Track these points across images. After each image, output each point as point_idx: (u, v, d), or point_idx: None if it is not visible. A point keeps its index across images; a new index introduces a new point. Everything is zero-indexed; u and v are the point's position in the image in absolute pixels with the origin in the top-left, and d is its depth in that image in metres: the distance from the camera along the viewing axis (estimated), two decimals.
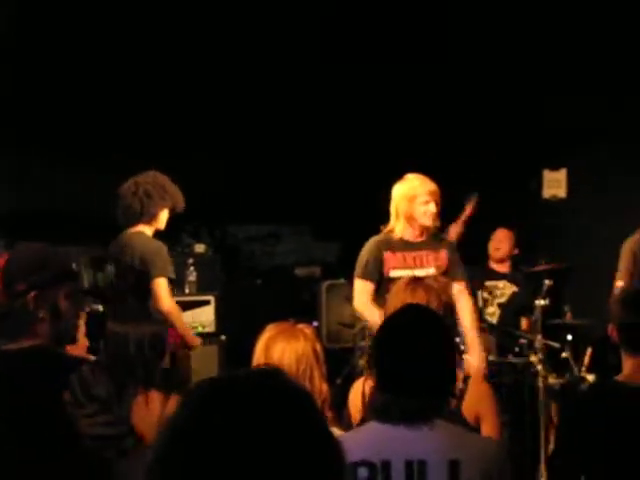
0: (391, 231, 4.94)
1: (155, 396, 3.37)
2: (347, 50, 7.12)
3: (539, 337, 5.60)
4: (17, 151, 7.01)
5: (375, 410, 2.40)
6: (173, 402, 3.29)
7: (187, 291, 6.61)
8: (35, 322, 2.70)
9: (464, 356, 4.75)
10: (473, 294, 6.23)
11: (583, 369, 5.40)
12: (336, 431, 2.65)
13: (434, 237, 5.01)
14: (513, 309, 6.42)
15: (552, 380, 5.40)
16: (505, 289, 6.53)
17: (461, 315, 4.65)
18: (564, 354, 5.55)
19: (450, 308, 3.35)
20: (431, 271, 4.89)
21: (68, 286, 2.74)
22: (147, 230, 5.24)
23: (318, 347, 3.44)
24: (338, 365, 6.07)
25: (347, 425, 3.17)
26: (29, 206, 7.07)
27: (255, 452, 1.15)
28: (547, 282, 5.77)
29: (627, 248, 5.37)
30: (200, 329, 6.42)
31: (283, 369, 2.79)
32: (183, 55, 7.11)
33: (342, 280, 6.85)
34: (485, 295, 6.46)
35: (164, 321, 4.91)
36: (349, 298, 5.33)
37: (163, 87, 7.19)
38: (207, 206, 7.02)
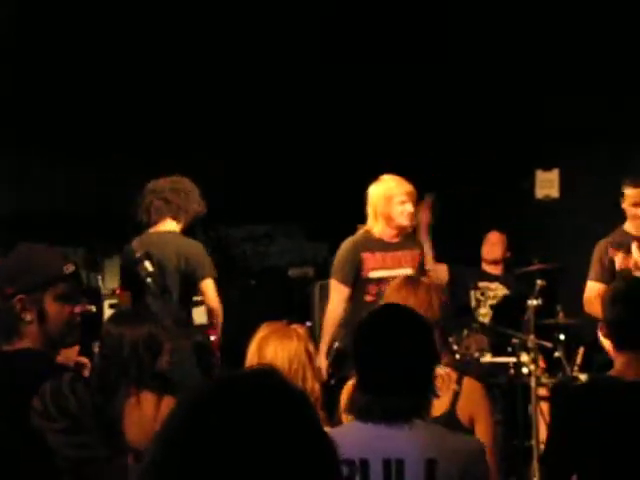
0: (369, 231, 4.96)
1: (148, 397, 3.38)
2: (347, 50, 7.12)
3: (532, 337, 5.61)
4: (17, 151, 7.03)
5: (356, 409, 2.41)
6: (166, 404, 3.29)
7: None
8: (22, 325, 2.72)
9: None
10: (466, 294, 6.26)
11: (576, 369, 5.40)
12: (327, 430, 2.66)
13: (408, 237, 5.04)
14: (506, 310, 6.44)
15: (545, 380, 5.40)
16: (497, 291, 6.55)
17: None
18: (557, 354, 5.55)
19: (447, 307, 3.36)
20: (408, 271, 4.92)
21: (58, 289, 2.75)
22: (177, 229, 5.27)
23: (311, 347, 3.45)
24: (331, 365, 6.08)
25: (338, 425, 3.18)
26: (29, 206, 7.09)
27: (252, 452, 1.15)
28: (540, 282, 5.77)
29: (596, 255, 5.39)
30: None
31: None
32: (183, 55, 7.11)
33: None
34: (477, 296, 6.48)
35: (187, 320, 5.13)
36: None
37: (163, 87, 7.20)
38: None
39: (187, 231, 5.50)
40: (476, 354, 5.80)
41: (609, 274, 5.25)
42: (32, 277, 2.72)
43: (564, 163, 7.21)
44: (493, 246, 6.69)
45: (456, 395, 2.95)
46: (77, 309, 2.80)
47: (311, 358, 3.36)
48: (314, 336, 4.69)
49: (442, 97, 7.36)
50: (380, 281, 4.95)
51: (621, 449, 2.84)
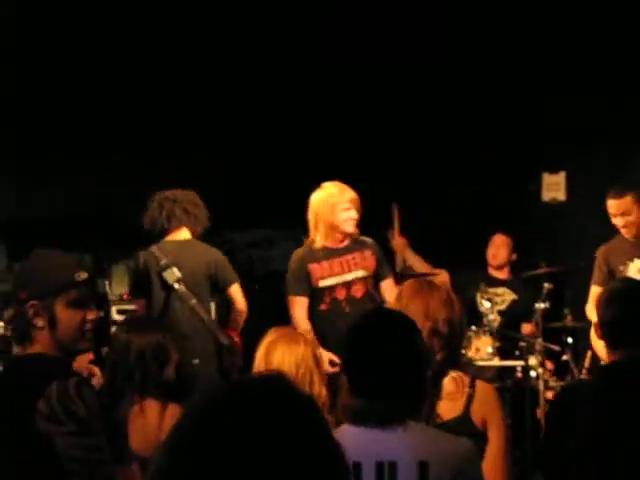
0: (312, 241, 4.94)
1: (152, 405, 3.37)
2: (347, 50, 7.11)
3: (539, 340, 5.61)
4: (17, 151, 7.01)
5: (349, 414, 2.41)
6: (171, 413, 3.29)
7: None
8: (34, 330, 2.73)
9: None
10: (472, 298, 6.25)
11: (584, 372, 5.40)
12: None
13: (356, 241, 4.99)
14: (514, 316, 6.43)
15: (553, 383, 5.41)
16: (505, 296, 6.52)
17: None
18: (564, 357, 5.56)
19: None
20: (359, 274, 4.91)
21: (70, 295, 2.75)
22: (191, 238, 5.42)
23: (318, 352, 3.45)
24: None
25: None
26: (29, 206, 7.07)
27: (260, 457, 1.15)
28: (547, 285, 5.77)
29: (597, 261, 5.41)
30: None
31: (283, 372, 2.81)
32: (183, 55, 7.09)
33: None
34: (485, 303, 6.46)
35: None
36: None
37: (163, 87, 7.18)
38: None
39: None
40: (485, 357, 5.81)
41: (611, 278, 5.25)
42: (44, 283, 2.73)
43: (570, 165, 7.21)
44: (498, 249, 6.66)
45: (470, 398, 2.95)
46: (90, 315, 2.80)
47: (318, 363, 3.36)
48: None
49: (442, 97, 7.35)
50: (332, 289, 4.95)
51: (615, 449, 2.85)
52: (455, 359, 3.10)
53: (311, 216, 4.93)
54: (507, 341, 6.08)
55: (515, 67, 7.08)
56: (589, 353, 5.42)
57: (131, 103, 7.10)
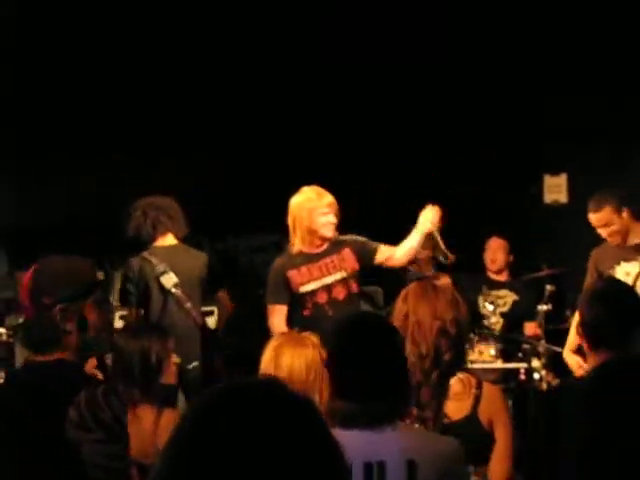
0: (292, 246, 4.95)
1: (147, 411, 3.37)
2: (347, 50, 7.11)
3: (542, 342, 5.61)
4: (17, 151, 7.00)
5: (337, 417, 2.42)
6: (167, 418, 3.28)
7: None
8: (64, 335, 2.72)
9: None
10: (474, 301, 6.25)
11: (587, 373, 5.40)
12: None
13: (334, 243, 4.99)
14: (516, 317, 6.44)
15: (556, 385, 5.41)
16: (506, 297, 6.53)
17: (403, 245, 4.95)
18: None
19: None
20: (339, 276, 4.91)
21: (96, 295, 2.77)
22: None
23: (325, 354, 3.45)
24: None
25: None
26: (29, 206, 7.06)
27: (260, 459, 1.15)
28: (549, 287, 5.78)
29: (589, 266, 5.43)
30: None
31: (293, 376, 2.81)
32: (183, 55, 7.10)
33: None
34: (487, 305, 6.46)
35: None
36: None
37: (163, 87, 7.18)
38: (209, 217, 7.02)
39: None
40: (488, 359, 5.82)
41: None
42: (72, 286, 2.73)
43: (571, 166, 7.21)
44: (495, 253, 6.66)
45: (477, 399, 2.97)
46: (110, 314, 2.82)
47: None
48: None
49: (442, 97, 7.36)
50: (313, 294, 4.93)
51: (597, 453, 2.85)
52: (462, 359, 3.14)
53: (290, 221, 4.93)
54: (510, 343, 6.09)
55: (515, 67, 7.08)
56: None
57: (131, 103, 7.10)
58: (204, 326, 5.42)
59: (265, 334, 3.30)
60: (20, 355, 4.85)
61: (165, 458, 1.20)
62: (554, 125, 7.05)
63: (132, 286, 5.31)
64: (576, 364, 4.82)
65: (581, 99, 6.83)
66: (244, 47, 7.11)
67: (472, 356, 5.92)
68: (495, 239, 6.71)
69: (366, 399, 2.40)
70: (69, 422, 2.62)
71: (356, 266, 4.96)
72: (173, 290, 5.26)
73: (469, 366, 5.65)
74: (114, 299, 6.39)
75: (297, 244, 4.91)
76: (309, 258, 4.91)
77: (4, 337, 5.16)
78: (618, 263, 5.24)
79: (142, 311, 5.32)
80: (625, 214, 5.19)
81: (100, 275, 2.78)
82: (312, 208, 4.85)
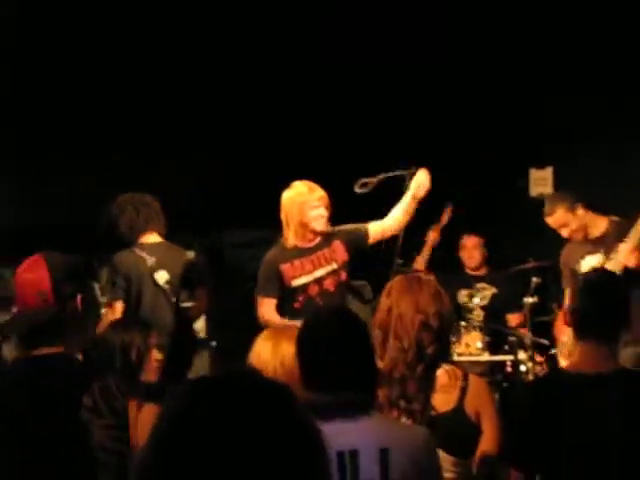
0: (285, 240, 4.99)
1: (131, 404, 3.37)
2: (347, 50, 7.12)
3: (529, 335, 5.64)
4: (17, 151, 7.01)
5: (310, 409, 2.42)
6: (147, 411, 3.27)
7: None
8: (65, 328, 2.73)
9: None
10: (453, 299, 6.28)
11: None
12: None
13: (325, 236, 5.03)
14: (495, 309, 6.46)
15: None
16: (486, 291, 6.54)
17: (395, 212, 4.99)
18: (553, 351, 5.57)
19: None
20: (330, 268, 4.95)
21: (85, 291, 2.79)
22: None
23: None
24: None
25: None
26: (28, 206, 7.07)
27: (239, 448, 1.16)
28: (535, 280, 5.83)
29: (561, 263, 5.50)
30: None
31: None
32: (183, 55, 7.10)
33: None
34: (466, 300, 6.49)
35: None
36: None
37: (163, 87, 7.19)
38: (197, 212, 7.04)
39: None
40: (475, 352, 5.85)
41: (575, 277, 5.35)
42: (80, 276, 2.74)
43: (558, 161, 7.23)
44: (472, 251, 6.70)
45: (463, 391, 2.99)
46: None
47: None
48: None
49: (442, 97, 7.36)
50: (304, 287, 4.98)
51: (580, 445, 2.86)
52: (446, 352, 3.17)
53: (282, 215, 4.98)
54: (497, 336, 6.13)
55: (515, 67, 7.08)
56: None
57: (131, 103, 7.10)
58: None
59: (252, 328, 3.27)
60: (8, 352, 4.86)
61: (147, 451, 1.21)
62: (553, 125, 7.04)
63: (122, 280, 5.31)
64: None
65: (581, 99, 6.83)
66: (244, 47, 7.12)
67: (459, 349, 5.98)
68: (469, 237, 6.74)
69: (339, 390, 2.41)
70: (83, 408, 2.65)
71: (346, 257, 5.02)
72: (165, 287, 5.30)
73: (456, 359, 5.74)
74: (102, 296, 6.39)
75: (291, 238, 4.94)
76: (301, 252, 4.96)
77: None
78: (583, 257, 5.30)
79: (126, 305, 5.31)
80: (580, 211, 5.25)
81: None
82: (303, 202, 4.91)
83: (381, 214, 6.94)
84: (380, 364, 2.94)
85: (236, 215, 7.28)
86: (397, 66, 7.24)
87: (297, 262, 4.95)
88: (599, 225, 5.28)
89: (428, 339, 2.99)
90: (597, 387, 2.92)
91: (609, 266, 4.93)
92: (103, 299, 6.22)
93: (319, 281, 4.95)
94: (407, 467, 2.35)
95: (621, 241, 4.98)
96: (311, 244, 4.99)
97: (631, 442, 2.86)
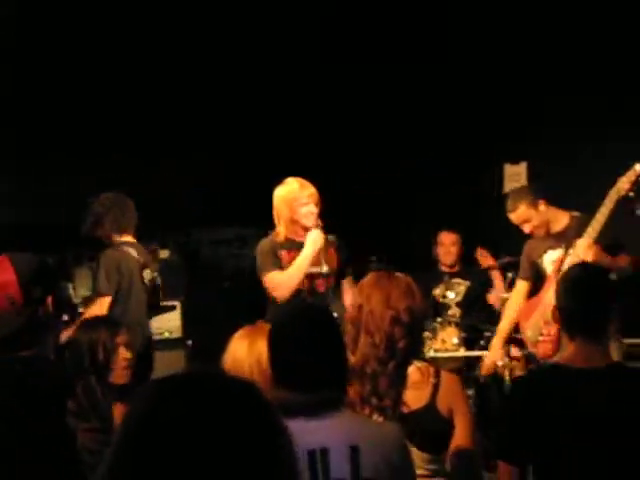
0: (277, 234, 5.00)
1: (117, 408, 3.37)
2: (347, 50, 7.12)
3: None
4: (17, 151, 7.03)
5: (281, 408, 2.43)
6: (119, 411, 3.27)
7: None
8: (43, 331, 2.71)
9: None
10: (428, 297, 6.27)
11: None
12: None
13: (324, 240, 5.03)
14: (470, 301, 6.46)
15: (518, 372, 5.40)
16: (460, 286, 6.53)
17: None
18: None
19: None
20: (323, 269, 4.95)
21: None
22: None
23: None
24: None
25: None
26: (28, 206, 7.09)
27: (204, 446, 1.16)
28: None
29: (522, 257, 5.49)
30: (167, 335, 6.50)
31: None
32: (183, 55, 7.11)
33: None
34: (441, 299, 6.48)
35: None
36: None
37: (163, 87, 7.20)
38: (172, 212, 7.05)
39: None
40: (451, 348, 5.84)
41: (534, 271, 5.37)
42: (49, 278, 2.72)
43: (532, 156, 7.22)
44: (450, 247, 6.65)
45: (435, 387, 2.97)
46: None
47: None
48: None
49: (442, 97, 7.36)
50: None
51: (572, 437, 2.85)
52: (418, 348, 3.15)
53: (274, 211, 5.00)
54: (473, 332, 6.12)
55: (515, 67, 7.08)
56: None
57: (131, 103, 7.12)
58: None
59: (228, 326, 3.22)
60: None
61: (113, 451, 1.21)
62: (554, 124, 7.04)
63: (117, 275, 5.28)
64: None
65: (581, 99, 6.82)
66: (244, 47, 7.13)
67: (435, 345, 5.98)
68: (446, 234, 6.70)
69: (309, 388, 2.41)
70: (69, 412, 2.65)
71: (335, 266, 5.06)
72: (149, 284, 5.40)
73: (432, 355, 5.72)
74: (76, 296, 6.38)
75: (282, 232, 4.97)
76: (296, 245, 4.97)
77: None
78: (545, 252, 5.29)
79: (113, 302, 5.27)
80: (542, 206, 5.24)
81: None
82: (293, 199, 4.92)
83: (380, 214, 6.99)
84: (352, 360, 2.93)
85: (236, 215, 7.29)
86: (397, 66, 7.25)
87: (294, 253, 4.97)
88: (561, 220, 5.28)
89: (399, 334, 2.98)
90: (591, 381, 2.91)
91: (568, 261, 4.94)
92: (78, 299, 6.23)
93: (310, 277, 4.96)
94: (379, 464, 2.34)
95: (581, 236, 4.98)
96: (303, 238, 5.01)
97: (625, 436, 2.85)
